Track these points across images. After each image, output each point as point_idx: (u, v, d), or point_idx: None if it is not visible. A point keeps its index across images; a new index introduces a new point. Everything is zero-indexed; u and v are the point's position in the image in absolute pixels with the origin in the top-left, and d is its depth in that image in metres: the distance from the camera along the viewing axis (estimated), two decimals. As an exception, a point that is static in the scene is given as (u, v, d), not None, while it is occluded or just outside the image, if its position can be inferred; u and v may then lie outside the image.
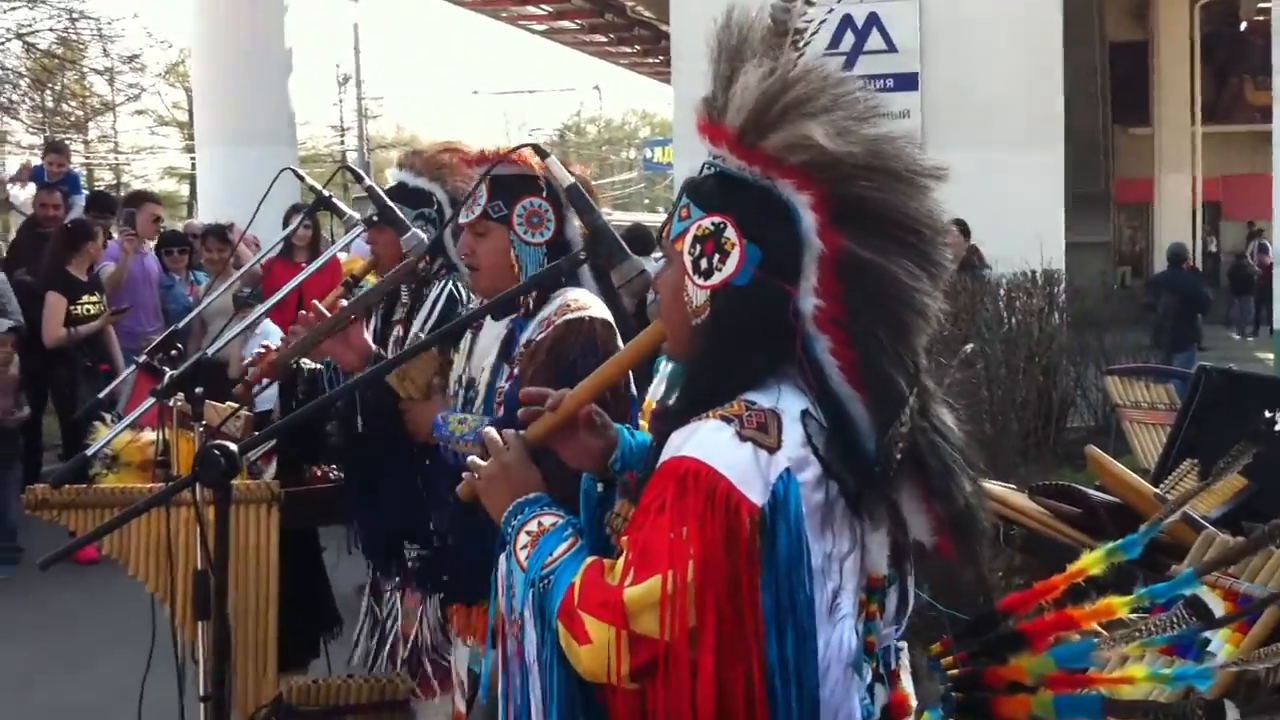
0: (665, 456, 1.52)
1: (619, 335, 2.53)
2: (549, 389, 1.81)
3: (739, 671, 1.43)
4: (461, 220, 2.65)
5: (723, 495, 1.44)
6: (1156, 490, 3.46)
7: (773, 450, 1.47)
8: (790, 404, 1.51)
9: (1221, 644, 2.74)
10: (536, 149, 2.40)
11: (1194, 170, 23.41)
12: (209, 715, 2.27)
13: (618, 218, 24.21)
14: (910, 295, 1.50)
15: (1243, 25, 23.31)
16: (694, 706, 1.42)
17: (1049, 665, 1.73)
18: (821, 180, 1.50)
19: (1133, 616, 1.83)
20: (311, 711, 2.99)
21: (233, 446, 1.62)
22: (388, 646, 3.12)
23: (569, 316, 2.52)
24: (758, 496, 1.44)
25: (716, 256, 1.55)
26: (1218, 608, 2.74)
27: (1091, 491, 3.50)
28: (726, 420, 1.48)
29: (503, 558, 1.67)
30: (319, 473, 3.74)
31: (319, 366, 3.27)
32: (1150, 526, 1.92)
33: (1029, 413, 6.66)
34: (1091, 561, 1.85)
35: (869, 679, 1.59)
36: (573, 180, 2.21)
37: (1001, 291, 7.64)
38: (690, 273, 1.58)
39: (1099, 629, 1.79)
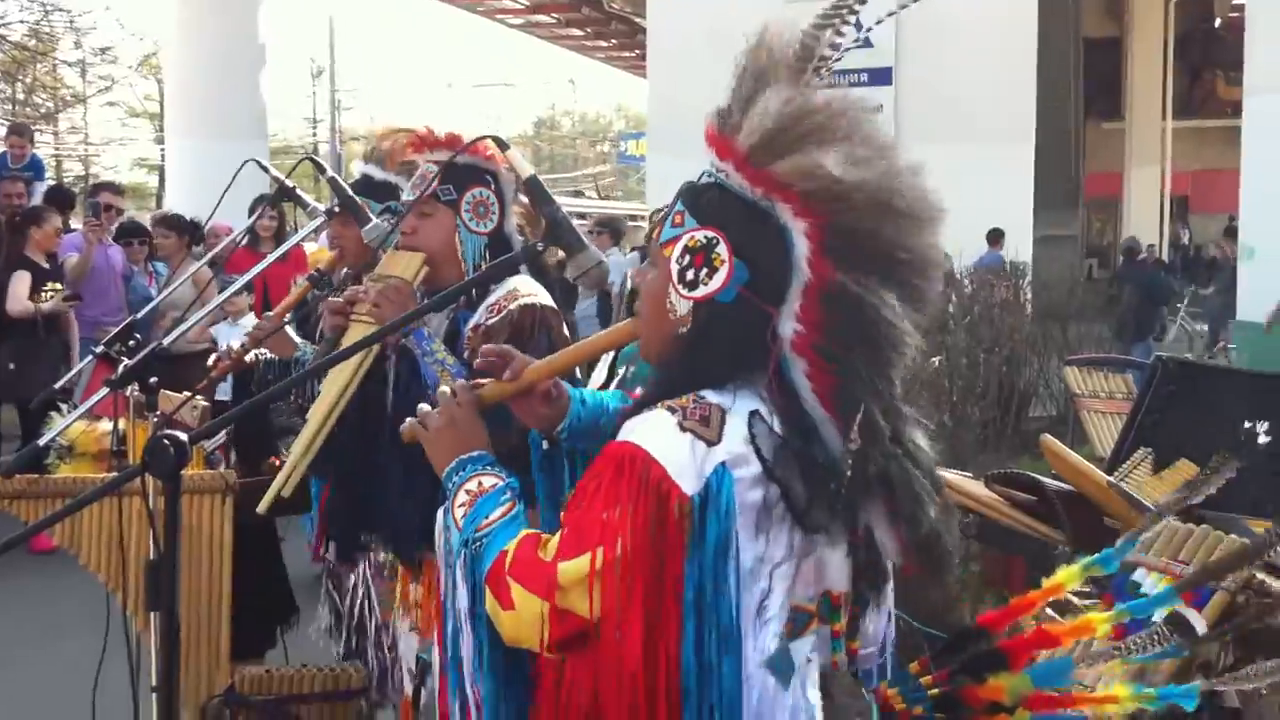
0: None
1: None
2: (513, 350, 1.83)
3: (658, 656, 1.45)
4: (406, 198, 2.65)
5: (655, 481, 1.46)
6: (1110, 478, 3.49)
7: (711, 443, 1.48)
8: (742, 404, 1.53)
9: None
10: (498, 141, 2.41)
11: (1164, 164, 23.53)
12: (159, 706, 2.27)
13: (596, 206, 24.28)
14: (890, 331, 1.51)
15: (1217, 21, 23.49)
16: (619, 682, 1.45)
17: (1027, 685, 1.69)
18: (821, 209, 1.50)
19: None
20: (263, 701, 2.98)
21: (183, 436, 1.61)
22: (351, 623, 3.09)
23: (522, 302, 2.53)
24: (689, 486, 1.46)
25: (704, 270, 1.56)
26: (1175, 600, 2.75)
27: (1046, 479, 3.53)
28: (671, 410, 1.51)
29: (441, 512, 1.69)
30: (277, 463, 3.73)
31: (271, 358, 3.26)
32: (1129, 539, 1.89)
33: (989, 402, 6.72)
34: (1068, 577, 1.80)
35: (812, 694, 1.62)
36: (533, 171, 2.22)
37: (967, 283, 7.70)
38: (675, 281, 1.59)
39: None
